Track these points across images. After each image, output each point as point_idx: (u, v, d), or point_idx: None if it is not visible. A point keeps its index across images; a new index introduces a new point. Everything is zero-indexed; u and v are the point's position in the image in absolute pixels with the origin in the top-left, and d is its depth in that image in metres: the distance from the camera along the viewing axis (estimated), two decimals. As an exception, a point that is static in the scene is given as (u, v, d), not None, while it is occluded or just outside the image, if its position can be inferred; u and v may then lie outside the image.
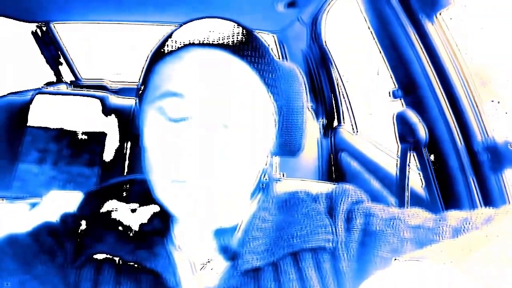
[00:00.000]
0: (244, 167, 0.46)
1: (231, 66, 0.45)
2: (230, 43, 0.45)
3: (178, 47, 0.46)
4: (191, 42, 0.46)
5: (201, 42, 0.45)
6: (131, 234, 0.52)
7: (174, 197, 0.45)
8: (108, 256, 0.50)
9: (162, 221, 0.52)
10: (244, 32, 0.48)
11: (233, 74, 0.45)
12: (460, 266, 0.29)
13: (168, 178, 0.45)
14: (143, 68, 0.50)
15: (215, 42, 0.45)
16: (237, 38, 0.46)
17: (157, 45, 0.50)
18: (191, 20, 0.50)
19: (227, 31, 0.47)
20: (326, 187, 0.58)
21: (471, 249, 0.32)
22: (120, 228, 0.52)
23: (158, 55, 0.48)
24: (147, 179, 0.47)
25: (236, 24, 0.50)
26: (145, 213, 0.53)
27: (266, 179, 0.56)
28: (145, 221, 0.52)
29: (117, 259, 0.50)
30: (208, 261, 0.51)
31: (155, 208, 0.53)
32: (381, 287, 0.28)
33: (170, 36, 0.49)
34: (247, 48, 0.46)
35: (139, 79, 0.51)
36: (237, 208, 0.53)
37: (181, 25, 0.50)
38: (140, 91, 0.50)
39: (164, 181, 0.45)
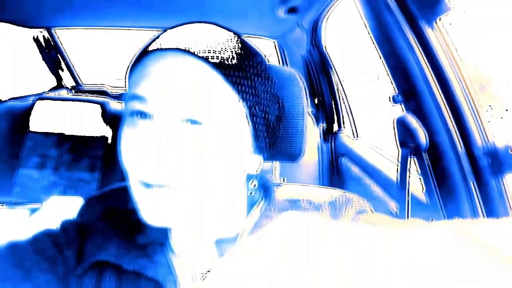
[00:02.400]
0: (214, 166, 0.45)
1: (187, 66, 0.45)
2: (191, 46, 0.46)
3: (143, 53, 0.48)
4: (156, 48, 0.47)
5: (160, 47, 0.46)
6: (131, 241, 0.52)
7: (142, 201, 0.45)
8: (109, 264, 0.50)
9: (161, 229, 0.52)
10: (218, 34, 0.49)
11: (190, 72, 0.45)
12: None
13: (136, 180, 0.45)
14: (126, 74, 0.51)
15: (173, 46, 0.46)
16: (202, 40, 0.47)
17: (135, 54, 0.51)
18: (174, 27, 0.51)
19: (196, 35, 0.48)
20: (328, 194, 0.57)
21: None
22: (120, 234, 0.52)
23: (133, 63, 0.49)
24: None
25: (214, 28, 0.50)
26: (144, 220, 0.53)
27: (255, 185, 0.55)
28: (145, 227, 0.52)
29: (118, 267, 0.50)
30: (208, 271, 0.51)
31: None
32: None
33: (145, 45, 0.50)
34: (210, 50, 0.46)
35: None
36: (228, 211, 0.53)
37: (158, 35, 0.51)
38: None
39: (133, 183, 0.46)
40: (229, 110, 0.46)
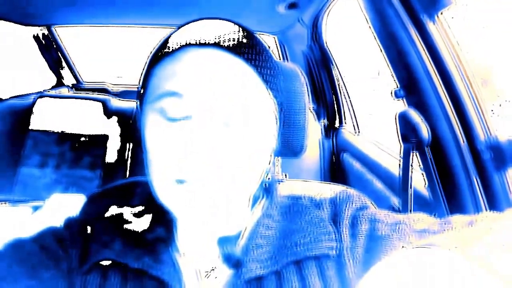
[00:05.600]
0: (248, 166, 0.46)
1: (228, 63, 0.45)
2: (226, 41, 0.45)
3: (174, 48, 0.47)
4: (188, 42, 0.46)
5: (197, 42, 0.45)
6: (135, 239, 0.51)
7: (176, 198, 0.45)
8: (114, 261, 0.50)
9: (166, 227, 0.52)
10: (240, 30, 0.49)
11: (230, 71, 0.44)
12: (466, 253, 0.29)
13: (170, 179, 0.44)
14: (143, 70, 0.50)
15: (211, 42, 0.45)
16: (233, 36, 0.46)
17: (156, 47, 0.50)
18: (189, 22, 0.50)
19: (223, 30, 0.47)
20: (330, 190, 0.57)
21: (477, 237, 0.32)
22: (125, 232, 0.52)
23: (156, 58, 0.48)
24: (149, 181, 0.47)
25: (232, 24, 0.50)
26: (148, 217, 0.53)
27: (269, 178, 0.55)
28: (149, 226, 0.52)
29: (123, 265, 0.50)
30: (213, 269, 0.51)
31: (158, 212, 0.52)
32: (388, 272, 0.28)
33: (167, 38, 0.49)
34: (243, 46, 0.46)
35: (139, 81, 0.52)
36: (239, 211, 0.53)
37: (179, 27, 0.50)
38: (140, 94, 0.50)
39: (166, 182, 0.45)
40: (264, 108, 0.47)
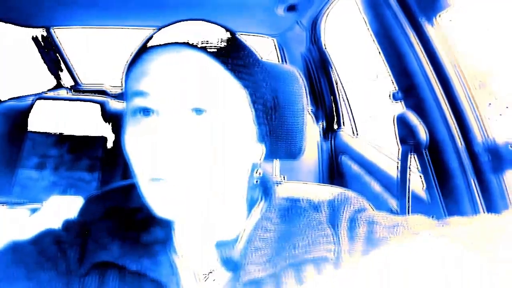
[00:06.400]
0: (224, 156, 0.45)
1: (189, 57, 0.45)
2: (189, 39, 0.46)
3: (142, 50, 0.48)
4: (151, 45, 0.47)
5: (160, 43, 0.47)
6: (134, 241, 0.51)
7: (153, 197, 0.45)
8: (112, 264, 0.50)
9: (164, 229, 0.52)
10: (209, 28, 0.50)
11: (191, 63, 0.45)
12: (479, 248, 0.29)
13: (146, 178, 0.45)
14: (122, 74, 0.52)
15: (173, 41, 0.46)
16: (196, 33, 0.47)
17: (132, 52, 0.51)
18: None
19: (188, 29, 0.49)
20: (328, 192, 0.57)
21: (490, 233, 0.33)
22: (123, 234, 0.52)
23: (132, 60, 0.49)
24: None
25: (204, 22, 0.51)
26: (146, 219, 0.52)
27: (259, 174, 0.55)
28: (147, 228, 0.52)
29: (121, 267, 0.50)
30: (211, 272, 0.51)
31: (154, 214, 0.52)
32: (392, 258, 0.28)
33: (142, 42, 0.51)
34: (207, 40, 0.46)
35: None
36: (231, 210, 0.53)
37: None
38: (122, 95, 0.51)
39: (143, 181, 0.45)
40: (233, 96, 0.47)
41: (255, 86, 0.49)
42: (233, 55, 0.47)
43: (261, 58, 0.54)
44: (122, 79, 0.51)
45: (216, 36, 0.48)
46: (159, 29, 0.50)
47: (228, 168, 0.47)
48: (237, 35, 0.52)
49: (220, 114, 0.45)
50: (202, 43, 0.46)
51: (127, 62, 0.51)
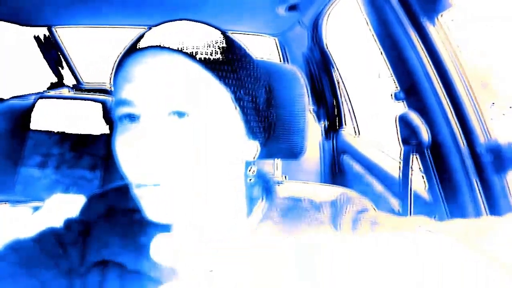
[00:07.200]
0: (208, 156, 0.45)
1: (166, 60, 0.45)
2: (167, 42, 0.46)
3: (124, 55, 0.48)
4: (135, 49, 0.47)
5: (139, 47, 0.46)
6: (135, 241, 0.51)
7: (142, 201, 0.45)
8: (113, 262, 0.50)
9: (164, 228, 0.52)
10: (191, 28, 0.49)
11: (168, 66, 0.45)
12: (475, 245, 0.29)
13: (134, 183, 0.45)
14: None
15: (152, 44, 0.46)
16: (174, 35, 0.47)
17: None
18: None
19: (169, 31, 0.48)
20: (330, 192, 0.57)
21: (487, 231, 0.33)
22: (124, 233, 0.52)
23: (116, 67, 0.49)
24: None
25: (191, 24, 0.50)
26: (147, 218, 0.53)
27: (253, 172, 0.54)
28: (148, 226, 0.52)
29: (122, 266, 0.50)
30: (211, 271, 0.51)
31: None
32: (393, 259, 0.28)
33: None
34: (183, 42, 0.46)
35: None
36: (226, 209, 0.52)
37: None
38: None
39: (132, 186, 0.46)
40: (213, 96, 0.46)
41: (239, 83, 0.48)
42: (212, 53, 0.46)
43: (249, 52, 0.53)
44: (110, 84, 0.51)
45: (195, 35, 0.47)
46: (145, 32, 0.50)
47: (216, 168, 0.46)
48: (223, 33, 0.51)
49: (202, 116, 0.44)
50: (178, 44, 0.45)
51: (112, 68, 0.50)
